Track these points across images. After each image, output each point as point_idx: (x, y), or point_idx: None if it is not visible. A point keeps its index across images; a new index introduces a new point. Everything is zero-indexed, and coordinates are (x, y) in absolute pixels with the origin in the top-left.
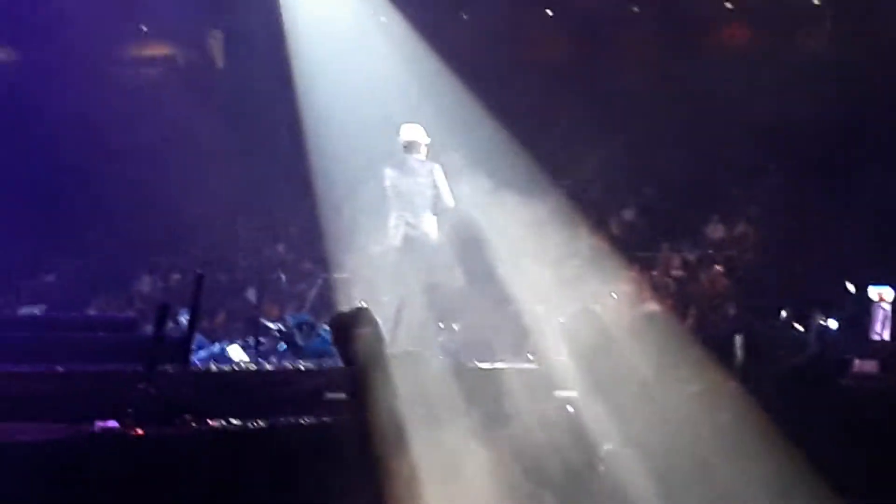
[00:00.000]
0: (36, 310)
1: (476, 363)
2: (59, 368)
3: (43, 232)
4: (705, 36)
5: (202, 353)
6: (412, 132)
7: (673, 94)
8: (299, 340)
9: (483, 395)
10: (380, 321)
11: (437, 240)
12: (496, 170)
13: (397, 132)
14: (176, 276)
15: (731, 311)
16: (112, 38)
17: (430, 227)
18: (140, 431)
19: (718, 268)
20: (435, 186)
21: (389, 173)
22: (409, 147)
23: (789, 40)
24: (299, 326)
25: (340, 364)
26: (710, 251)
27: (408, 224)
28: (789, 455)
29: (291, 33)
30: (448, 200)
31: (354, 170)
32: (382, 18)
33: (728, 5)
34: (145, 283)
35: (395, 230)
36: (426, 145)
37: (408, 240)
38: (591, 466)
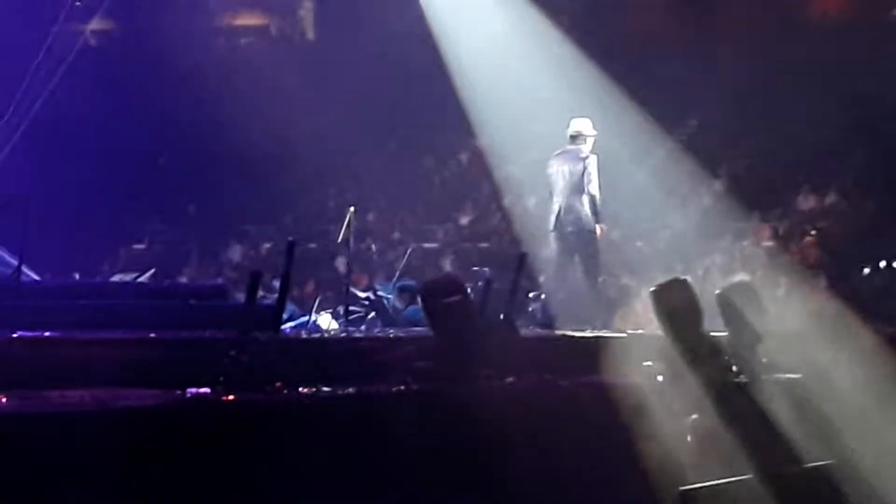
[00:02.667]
0: (128, 277)
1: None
2: (152, 335)
3: (138, 201)
4: (797, 7)
5: (293, 322)
6: (580, 125)
7: (764, 65)
8: (398, 304)
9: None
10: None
11: (589, 222)
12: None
13: (567, 124)
14: (266, 246)
15: (823, 282)
16: (206, 7)
17: (582, 209)
18: (231, 398)
19: (810, 238)
20: (588, 174)
21: (554, 162)
22: (576, 138)
23: (882, 12)
24: (401, 291)
25: (430, 332)
26: (802, 222)
27: (562, 208)
28: None
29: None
30: (594, 190)
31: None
32: None
33: None
34: (236, 252)
35: (552, 214)
36: (592, 137)
37: (562, 223)
38: None
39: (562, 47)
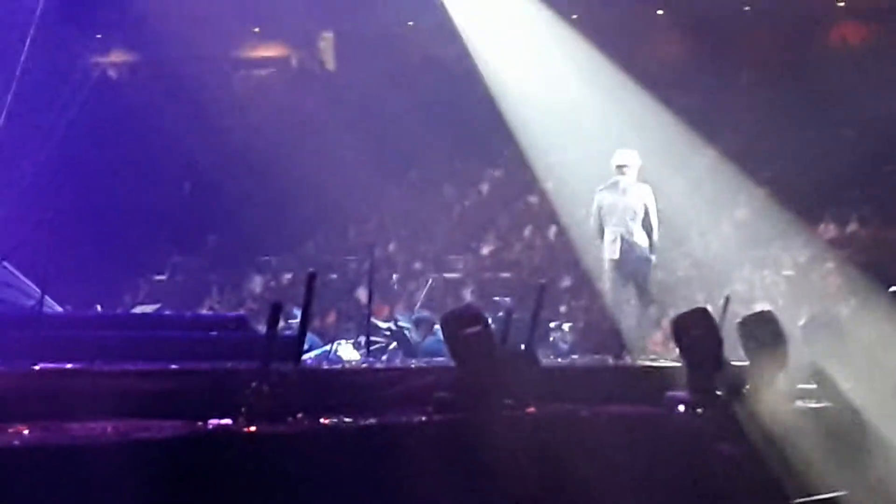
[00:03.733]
0: (150, 308)
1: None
2: (174, 366)
3: (158, 232)
4: (817, 34)
5: (314, 353)
6: (625, 156)
7: (785, 93)
8: (416, 337)
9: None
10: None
11: (647, 250)
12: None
13: (611, 156)
14: (287, 276)
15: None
16: (226, 39)
17: (641, 239)
18: (253, 429)
19: (830, 266)
20: (644, 205)
21: (602, 196)
22: (621, 169)
23: None
24: (417, 323)
25: (451, 363)
26: (823, 251)
27: (622, 238)
28: None
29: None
30: (654, 219)
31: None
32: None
33: (840, 3)
34: (257, 283)
35: (613, 244)
36: (637, 168)
37: (623, 251)
38: None
39: (590, 79)
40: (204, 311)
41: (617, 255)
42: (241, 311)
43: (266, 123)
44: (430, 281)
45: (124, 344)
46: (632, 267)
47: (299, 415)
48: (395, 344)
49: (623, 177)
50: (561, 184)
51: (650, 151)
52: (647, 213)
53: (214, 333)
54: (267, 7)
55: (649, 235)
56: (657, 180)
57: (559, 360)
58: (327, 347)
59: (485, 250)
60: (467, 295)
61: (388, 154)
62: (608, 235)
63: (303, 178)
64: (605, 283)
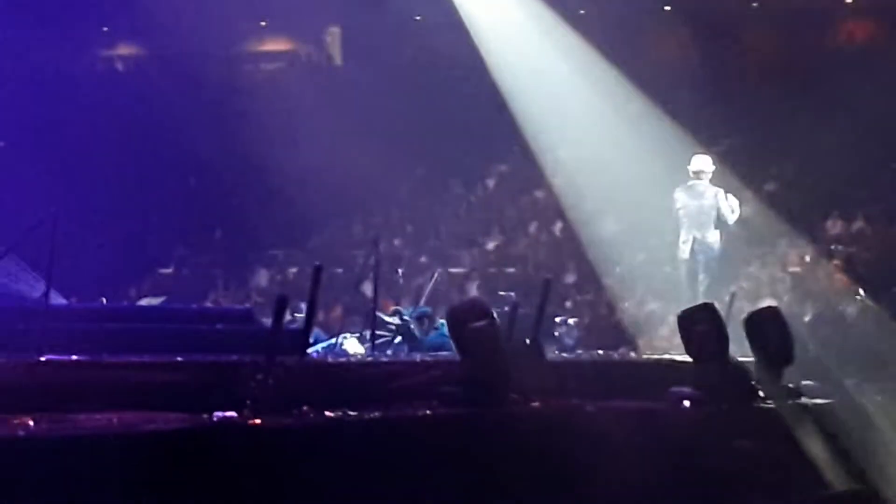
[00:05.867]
0: (155, 301)
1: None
2: (179, 359)
3: (164, 226)
4: (824, 31)
5: (319, 346)
6: (701, 162)
7: (791, 91)
8: (417, 333)
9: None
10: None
11: (719, 249)
12: None
13: (688, 161)
14: (293, 270)
15: (850, 308)
16: (233, 33)
17: (714, 239)
18: (258, 422)
19: (836, 263)
20: (718, 207)
21: (680, 197)
22: (698, 174)
23: None
24: (419, 319)
25: (457, 357)
26: (829, 247)
27: (696, 239)
28: None
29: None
30: (729, 218)
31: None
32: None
33: (847, 1)
34: (263, 277)
35: (685, 244)
36: (711, 172)
37: (695, 251)
38: None
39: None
40: (209, 305)
41: (687, 255)
42: (247, 305)
43: (273, 118)
44: (435, 275)
45: (130, 336)
46: (703, 265)
47: (304, 408)
48: (400, 338)
49: (699, 181)
50: (567, 179)
51: (653, 149)
52: (719, 215)
53: (220, 326)
54: (274, 1)
55: (721, 234)
56: (663, 178)
57: (564, 354)
58: (333, 341)
59: (490, 245)
60: (473, 289)
61: (394, 149)
62: (682, 236)
63: (309, 172)
64: (681, 277)
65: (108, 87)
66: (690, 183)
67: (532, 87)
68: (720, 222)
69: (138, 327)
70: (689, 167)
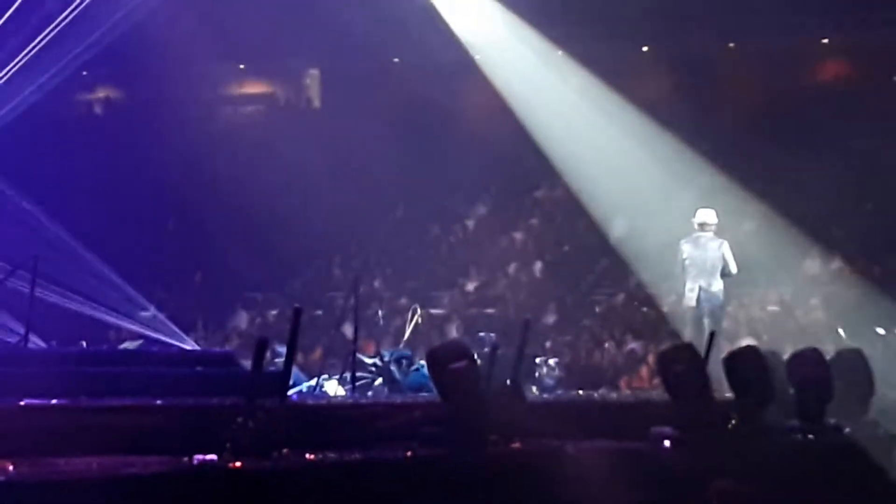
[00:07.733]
0: (134, 345)
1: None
2: (159, 402)
3: (144, 268)
4: (802, 71)
5: (299, 388)
6: (705, 215)
7: (768, 130)
8: (397, 375)
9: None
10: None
11: (723, 298)
12: None
13: (693, 214)
14: (273, 312)
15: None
16: (212, 75)
17: (718, 288)
18: (238, 465)
19: (814, 302)
20: (723, 258)
21: (686, 248)
22: (703, 226)
23: (887, 76)
24: (398, 361)
25: (437, 398)
26: (807, 286)
27: (701, 289)
28: None
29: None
30: (733, 268)
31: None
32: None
33: (824, 41)
34: (243, 319)
35: (691, 293)
36: (715, 224)
37: (701, 300)
38: None
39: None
40: (188, 347)
41: (693, 304)
42: (227, 347)
43: (252, 160)
44: (416, 309)
45: (109, 380)
46: (708, 313)
47: (285, 450)
48: (380, 379)
49: (704, 233)
50: (546, 219)
51: (636, 187)
52: (725, 265)
53: (200, 369)
54: (253, 44)
55: (724, 283)
56: (643, 215)
57: (545, 395)
58: (312, 383)
59: (470, 286)
60: (453, 331)
61: (373, 190)
62: (688, 284)
63: (288, 214)
64: (686, 324)
65: (86, 130)
66: (696, 235)
67: (511, 128)
68: (724, 272)
69: (118, 371)
70: (693, 220)
